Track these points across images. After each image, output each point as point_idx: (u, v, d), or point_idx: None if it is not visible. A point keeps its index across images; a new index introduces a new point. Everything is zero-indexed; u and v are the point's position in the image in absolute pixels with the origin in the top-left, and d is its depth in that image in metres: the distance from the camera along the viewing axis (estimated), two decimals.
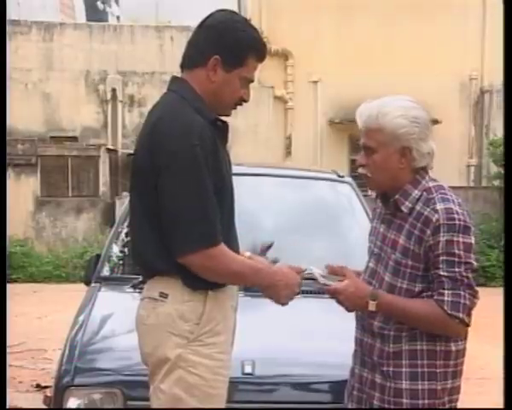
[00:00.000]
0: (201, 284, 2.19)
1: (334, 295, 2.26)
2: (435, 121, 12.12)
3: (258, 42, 2.33)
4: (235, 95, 2.32)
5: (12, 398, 5.50)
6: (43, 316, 9.23)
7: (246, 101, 2.37)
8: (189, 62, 2.32)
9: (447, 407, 2.23)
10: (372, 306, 2.22)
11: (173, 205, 2.16)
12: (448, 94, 14.66)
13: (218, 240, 2.18)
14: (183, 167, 2.14)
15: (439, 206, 2.18)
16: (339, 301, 2.27)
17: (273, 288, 2.27)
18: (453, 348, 2.24)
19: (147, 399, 2.32)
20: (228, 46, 2.25)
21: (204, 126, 2.19)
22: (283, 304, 2.31)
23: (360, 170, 2.32)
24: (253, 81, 2.37)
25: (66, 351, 2.93)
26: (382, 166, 2.26)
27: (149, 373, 2.29)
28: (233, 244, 2.34)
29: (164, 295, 2.23)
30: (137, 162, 2.28)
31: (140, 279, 2.43)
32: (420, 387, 2.21)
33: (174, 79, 2.37)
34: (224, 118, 2.36)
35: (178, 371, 2.20)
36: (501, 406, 2.47)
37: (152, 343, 2.25)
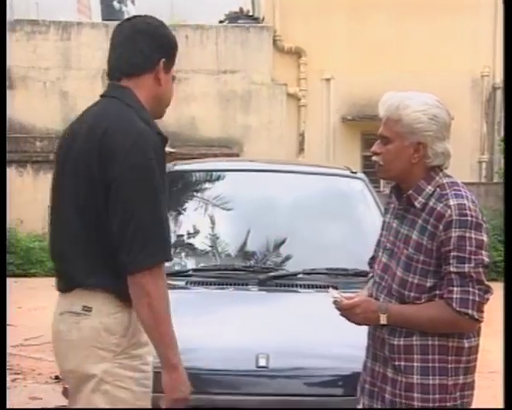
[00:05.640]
0: (128, 296, 2.12)
1: (353, 307, 2.29)
2: None
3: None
4: (171, 94, 2.36)
5: (31, 389, 5.61)
6: None
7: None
8: (135, 69, 2.26)
9: (459, 402, 2.25)
10: (383, 319, 2.25)
11: (130, 219, 2.07)
12: (460, 91, 14.65)
13: (169, 257, 2.17)
14: (141, 181, 2.09)
15: (452, 202, 2.19)
16: (350, 317, 2.32)
17: (170, 375, 2.13)
18: (466, 345, 2.24)
19: None
20: (169, 48, 2.34)
21: (157, 140, 2.17)
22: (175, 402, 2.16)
23: (374, 158, 2.33)
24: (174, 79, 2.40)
25: None
26: (395, 157, 2.26)
27: (71, 391, 2.24)
28: None
29: (87, 309, 2.14)
30: (77, 162, 2.18)
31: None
32: (431, 382, 2.21)
33: (114, 85, 2.29)
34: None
35: (105, 386, 2.14)
36: None
37: (75, 360, 2.17)
